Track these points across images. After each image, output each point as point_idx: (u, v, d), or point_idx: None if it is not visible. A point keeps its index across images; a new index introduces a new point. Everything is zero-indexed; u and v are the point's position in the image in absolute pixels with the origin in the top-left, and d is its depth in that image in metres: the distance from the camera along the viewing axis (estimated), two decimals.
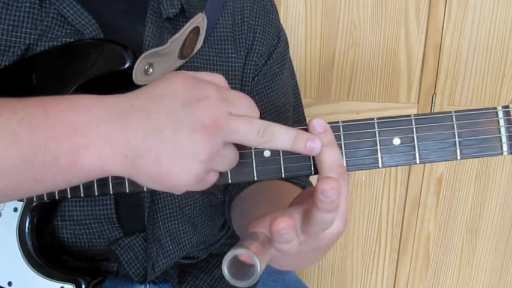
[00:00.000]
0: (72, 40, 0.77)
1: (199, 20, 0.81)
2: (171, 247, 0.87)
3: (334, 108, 1.54)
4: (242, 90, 0.90)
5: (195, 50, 0.82)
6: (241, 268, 0.52)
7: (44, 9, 0.77)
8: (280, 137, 0.59)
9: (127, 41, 0.76)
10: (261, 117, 0.91)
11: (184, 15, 0.84)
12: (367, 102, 1.55)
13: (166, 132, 0.56)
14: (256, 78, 0.92)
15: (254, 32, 0.91)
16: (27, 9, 0.77)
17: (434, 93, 1.52)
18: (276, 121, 0.94)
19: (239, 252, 0.51)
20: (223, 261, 0.52)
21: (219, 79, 0.62)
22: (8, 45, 0.76)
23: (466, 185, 1.62)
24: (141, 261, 0.85)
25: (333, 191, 0.53)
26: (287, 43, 0.99)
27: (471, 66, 1.51)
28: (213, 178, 0.61)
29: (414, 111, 1.53)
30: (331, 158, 0.60)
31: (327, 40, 1.50)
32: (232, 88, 0.86)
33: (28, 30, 0.77)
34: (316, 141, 0.59)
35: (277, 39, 0.95)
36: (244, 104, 0.60)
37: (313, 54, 1.52)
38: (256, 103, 0.91)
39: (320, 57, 1.52)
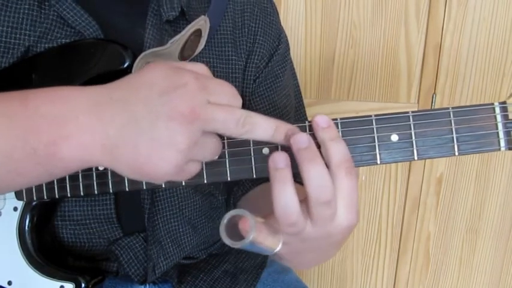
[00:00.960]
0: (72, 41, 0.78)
1: (202, 23, 0.81)
2: (171, 248, 0.87)
3: (334, 108, 1.54)
4: (243, 92, 0.90)
5: (196, 52, 0.82)
6: (235, 234, 0.53)
7: (43, 11, 0.77)
8: (261, 127, 0.59)
9: (127, 43, 0.77)
10: None
11: (184, 18, 0.85)
12: (367, 102, 1.55)
13: (144, 122, 0.56)
14: (257, 80, 0.92)
15: (255, 34, 0.92)
16: (26, 11, 0.77)
17: (434, 93, 1.52)
18: None
19: (243, 213, 0.52)
20: (227, 214, 0.53)
21: (201, 68, 0.61)
22: (7, 46, 0.76)
23: (466, 185, 1.62)
24: (140, 261, 0.85)
25: (301, 136, 0.57)
26: (288, 44, 0.99)
27: (471, 66, 1.51)
28: (193, 168, 0.61)
29: None
30: (339, 152, 0.59)
31: (327, 40, 1.50)
32: None
33: (27, 32, 0.77)
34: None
35: (278, 41, 0.95)
36: (225, 92, 0.59)
37: (313, 54, 1.52)
38: (258, 105, 0.91)
39: (320, 57, 1.52)
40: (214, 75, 0.85)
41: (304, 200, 0.59)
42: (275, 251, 0.60)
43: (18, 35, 0.77)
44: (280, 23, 0.98)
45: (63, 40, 0.78)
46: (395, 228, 1.65)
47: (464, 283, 1.72)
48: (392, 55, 1.51)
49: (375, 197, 1.63)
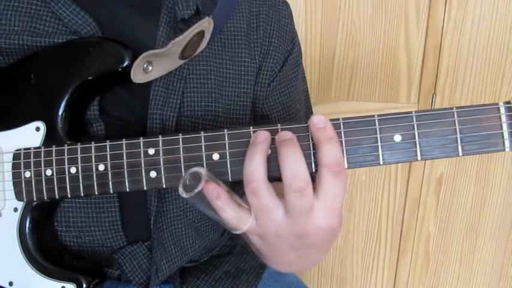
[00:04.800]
0: (69, 39, 0.77)
1: (205, 24, 0.80)
2: (173, 251, 0.86)
3: (334, 108, 1.54)
4: (256, 96, 0.90)
5: (197, 52, 0.82)
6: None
7: (35, 8, 0.77)
8: None
9: (138, 41, 0.76)
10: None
11: (198, 16, 0.83)
12: (367, 102, 1.54)
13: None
14: (272, 84, 0.91)
15: (270, 37, 0.91)
16: (14, 8, 0.77)
17: (434, 93, 1.52)
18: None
19: (202, 170, 0.58)
20: (197, 168, 0.59)
21: None
22: None
23: (466, 185, 1.62)
24: (144, 270, 0.85)
25: (285, 133, 0.61)
26: (300, 48, 0.98)
27: (471, 66, 1.51)
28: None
29: None
30: (330, 154, 0.60)
31: (327, 40, 1.50)
32: (244, 92, 0.88)
33: (15, 28, 0.76)
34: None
35: (292, 44, 0.95)
36: None
37: (313, 54, 1.52)
38: (272, 110, 0.93)
39: (320, 57, 1.52)
40: (226, 77, 0.86)
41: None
42: (240, 229, 0.63)
43: (6, 31, 0.76)
44: (294, 26, 0.97)
45: (59, 40, 0.77)
46: (395, 228, 1.65)
47: (464, 283, 1.72)
48: (392, 55, 1.51)
49: (375, 197, 1.63)
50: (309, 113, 1.03)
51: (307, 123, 0.62)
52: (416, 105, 1.53)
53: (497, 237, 1.66)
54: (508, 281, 1.71)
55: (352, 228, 1.66)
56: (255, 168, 0.60)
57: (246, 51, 0.88)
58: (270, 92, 0.91)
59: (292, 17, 0.97)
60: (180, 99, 0.82)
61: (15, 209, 0.75)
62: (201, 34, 0.80)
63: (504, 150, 0.61)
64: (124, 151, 0.69)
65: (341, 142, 0.62)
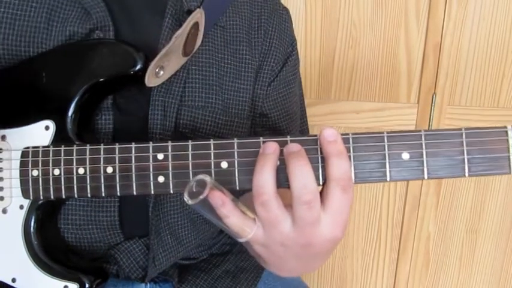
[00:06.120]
0: (81, 31, 0.78)
1: (198, 16, 0.80)
2: (170, 241, 0.87)
3: (334, 108, 1.55)
4: (255, 93, 0.91)
5: (196, 47, 0.82)
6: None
7: None
8: None
9: (145, 30, 0.77)
10: (275, 125, 0.94)
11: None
12: (367, 102, 1.55)
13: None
14: (272, 84, 0.92)
15: (271, 38, 0.92)
16: None
17: (434, 93, 1.52)
18: (287, 129, 0.94)
19: (207, 178, 0.58)
20: (202, 175, 0.59)
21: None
22: (16, 13, 0.77)
23: (466, 185, 1.62)
24: (141, 265, 0.85)
25: (293, 145, 0.62)
26: (298, 54, 1.00)
27: (471, 66, 1.51)
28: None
29: (414, 111, 1.53)
30: (339, 169, 0.61)
31: (327, 40, 1.51)
32: (243, 88, 0.88)
33: (33, 3, 0.77)
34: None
35: (292, 47, 0.96)
36: None
37: (313, 54, 1.52)
38: (271, 110, 0.94)
39: (320, 57, 1.52)
40: (226, 71, 0.87)
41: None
42: (243, 237, 0.63)
43: (24, 6, 0.77)
44: (293, 32, 0.99)
45: (73, 20, 0.78)
46: (395, 228, 1.66)
47: (464, 283, 1.73)
48: (392, 55, 1.51)
49: (375, 197, 1.63)
50: (303, 117, 1.05)
51: (308, 133, 0.63)
52: (416, 105, 1.54)
53: (497, 237, 1.67)
54: (508, 281, 1.72)
55: (352, 228, 1.66)
56: (265, 180, 0.60)
57: (247, 49, 0.89)
58: (270, 92, 0.92)
59: (292, 23, 0.99)
60: (182, 88, 0.83)
61: (21, 207, 0.75)
62: (196, 27, 0.80)
63: (510, 173, 0.61)
64: (133, 154, 0.69)
65: (349, 157, 0.63)
